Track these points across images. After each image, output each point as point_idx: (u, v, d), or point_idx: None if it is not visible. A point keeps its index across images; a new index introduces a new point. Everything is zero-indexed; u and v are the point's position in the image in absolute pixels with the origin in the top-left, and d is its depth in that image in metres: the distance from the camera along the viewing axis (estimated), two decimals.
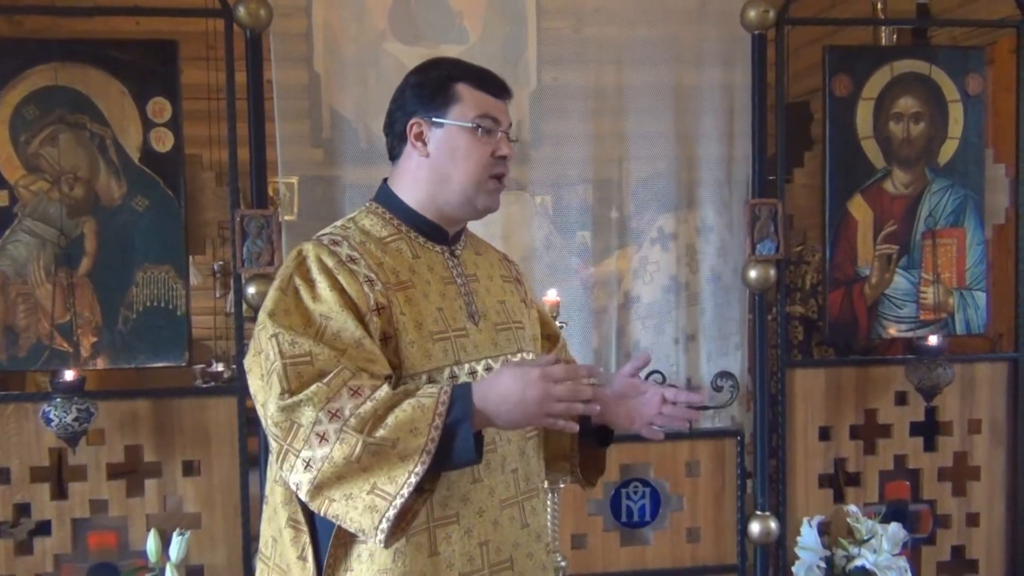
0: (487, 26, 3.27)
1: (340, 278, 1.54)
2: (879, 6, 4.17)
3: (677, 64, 3.35)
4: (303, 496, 1.45)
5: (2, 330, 2.86)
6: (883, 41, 4.36)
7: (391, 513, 1.40)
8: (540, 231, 3.33)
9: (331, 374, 1.45)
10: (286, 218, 3.18)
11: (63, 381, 2.80)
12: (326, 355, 1.47)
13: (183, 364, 3.00)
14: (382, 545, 1.43)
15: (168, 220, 2.93)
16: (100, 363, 2.92)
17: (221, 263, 6.00)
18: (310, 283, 1.54)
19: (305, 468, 1.43)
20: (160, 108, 2.92)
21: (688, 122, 3.36)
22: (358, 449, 1.40)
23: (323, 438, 1.42)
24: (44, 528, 2.98)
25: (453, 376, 1.58)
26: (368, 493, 1.41)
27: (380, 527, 1.40)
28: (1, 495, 2.92)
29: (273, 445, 1.47)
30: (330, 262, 1.55)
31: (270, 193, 3.25)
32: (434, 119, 1.64)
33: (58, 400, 2.75)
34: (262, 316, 1.54)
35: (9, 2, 3.53)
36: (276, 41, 3.09)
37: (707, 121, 3.36)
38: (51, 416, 2.74)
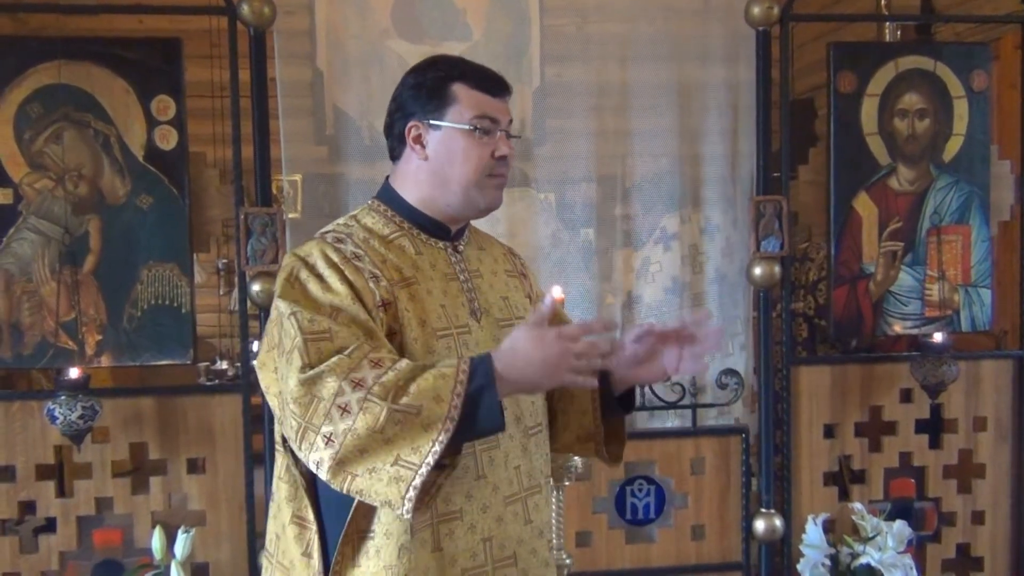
0: (490, 23, 3.27)
1: (347, 273, 1.54)
2: (883, 2, 4.17)
3: (681, 61, 3.34)
4: (324, 474, 1.43)
5: (7, 328, 2.87)
6: (887, 37, 4.36)
7: (417, 482, 1.39)
8: (547, 228, 3.33)
9: (351, 347, 1.45)
10: (290, 216, 3.18)
11: (68, 379, 2.80)
12: (345, 332, 1.48)
13: (188, 362, 3.01)
14: (408, 516, 1.42)
15: (172, 218, 2.93)
16: (105, 361, 2.92)
17: (225, 261, 6.02)
18: (319, 277, 1.54)
19: (326, 444, 1.41)
20: (164, 106, 2.92)
21: (692, 119, 3.36)
22: (383, 418, 1.39)
23: (345, 410, 1.41)
24: (49, 526, 2.98)
25: None
26: (392, 465, 1.40)
27: (407, 496, 1.39)
28: (6, 492, 2.93)
29: (292, 424, 1.45)
30: (336, 258, 1.55)
31: (274, 191, 3.25)
32: (431, 121, 1.63)
33: (63, 397, 2.75)
34: (277, 303, 1.53)
35: (13, 0, 3.53)
36: (280, 39, 3.09)
37: (711, 118, 3.35)
38: (56, 414, 2.74)
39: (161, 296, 2.92)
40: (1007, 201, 3.37)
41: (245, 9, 2.91)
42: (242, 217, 2.91)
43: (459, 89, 1.62)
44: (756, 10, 3.12)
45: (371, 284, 1.54)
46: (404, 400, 1.40)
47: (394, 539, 1.52)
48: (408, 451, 1.40)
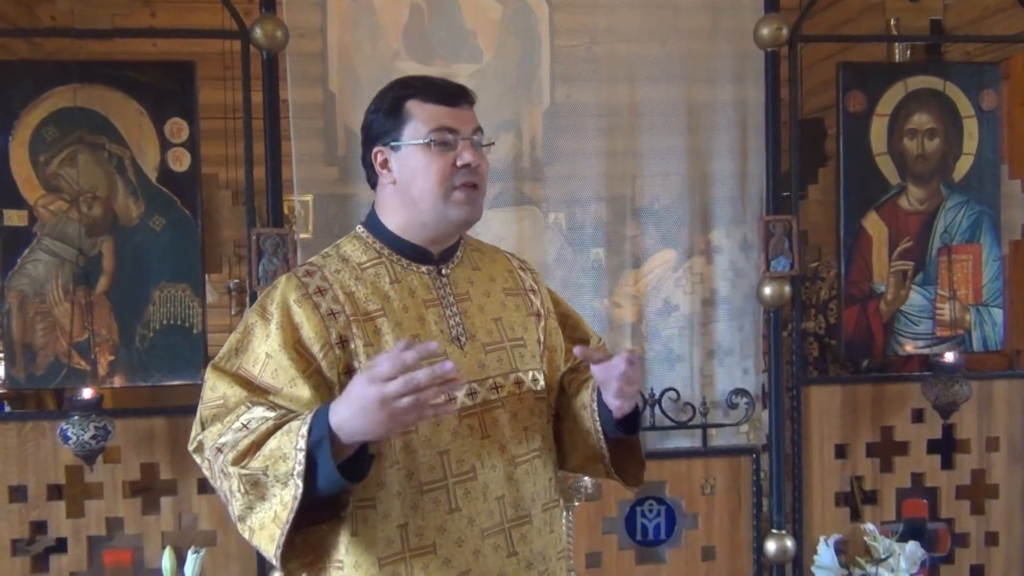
0: (501, 45, 3.29)
1: (300, 311, 1.55)
2: (892, 23, 4.18)
3: (690, 81, 3.36)
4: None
5: (20, 348, 2.89)
6: (897, 58, 4.36)
7: (281, 540, 1.42)
8: (552, 246, 3.34)
9: (232, 415, 1.50)
10: (301, 236, 3.19)
11: (81, 399, 2.81)
12: (238, 396, 1.52)
13: (199, 382, 3.00)
14: (280, 568, 1.47)
15: (185, 239, 2.95)
16: (117, 381, 2.94)
17: (237, 281, 6.04)
18: (266, 319, 1.57)
19: (227, 501, 1.49)
20: (177, 128, 2.95)
21: (701, 139, 3.36)
22: (239, 482, 1.45)
23: (224, 474, 1.48)
24: (60, 546, 2.99)
25: None
26: (272, 521, 1.44)
27: (275, 554, 1.44)
28: (18, 512, 2.93)
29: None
30: (292, 296, 1.57)
31: (285, 211, 3.27)
32: (392, 143, 1.63)
33: (76, 418, 2.77)
34: (216, 360, 1.61)
35: (29, 25, 3.58)
36: (292, 61, 3.12)
37: (720, 138, 3.36)
38: (69, 434, 2.75)
39: (173, 316, 2.94)
40: (1018, 220, 3.36)
41: (258, 32, 2.94)
42: (254, 238, 2.93)
43: (413, 106, 1.62)
44: (765, 31, 3.14)
45: (327, 321, 1.55)
46: (253, 464, 1.43)
47: (363, 570, 1.53)
48: (280, 506, 1.43)
